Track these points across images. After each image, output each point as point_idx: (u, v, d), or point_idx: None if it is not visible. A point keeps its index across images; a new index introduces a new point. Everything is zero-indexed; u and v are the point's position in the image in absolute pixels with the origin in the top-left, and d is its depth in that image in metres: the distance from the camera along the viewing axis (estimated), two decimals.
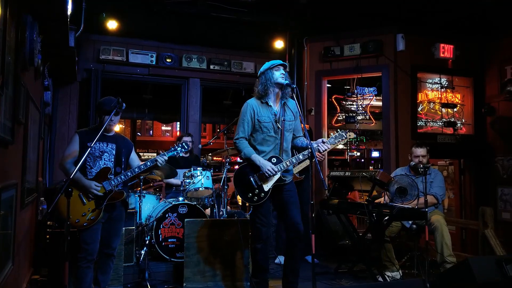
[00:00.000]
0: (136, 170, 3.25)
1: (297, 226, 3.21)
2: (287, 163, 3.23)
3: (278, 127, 3.29)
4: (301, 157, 3.23)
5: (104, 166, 3.20)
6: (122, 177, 3.19)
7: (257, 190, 3.21)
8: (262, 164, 3.18)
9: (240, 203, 6.48)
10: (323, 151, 3.28)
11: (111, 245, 3.28)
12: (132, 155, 3.43)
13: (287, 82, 3.27)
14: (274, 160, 3.25)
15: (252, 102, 3.35)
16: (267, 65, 3.35)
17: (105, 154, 3.23)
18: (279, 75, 3.27)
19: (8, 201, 2.55)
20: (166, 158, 3.31)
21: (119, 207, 3.30)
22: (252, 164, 3.24)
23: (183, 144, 3.38)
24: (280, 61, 3.35)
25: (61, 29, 3.61)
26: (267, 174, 3.17)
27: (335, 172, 4.86)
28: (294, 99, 3.31)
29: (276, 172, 3.19)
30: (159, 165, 3.28)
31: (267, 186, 3.21)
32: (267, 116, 3.29)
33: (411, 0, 5.48)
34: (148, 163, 3.27)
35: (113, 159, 3.26)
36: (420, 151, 4.40)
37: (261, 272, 3.36)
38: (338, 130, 3.40)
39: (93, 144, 2.89)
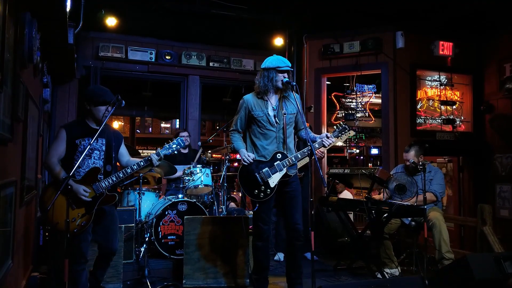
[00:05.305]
0: (129, 170, 3.01)
1: (296, 226, 3.24)
2: (293, 158, 3.20)
3: (277, 122, 3.28)
4: (305, 150, 3.18)
5: (93, 166, 2.94)
6: (114, 178, 2.94)
7: (263, 187, 3.22)
8: (243, 155, 3.28)
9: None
10: (328, 146, 3.24)
11: (111, 246, 3.07)
12: (122, 148, 3.20)
13: (286, 80, 3.25)
14: (279, 156, 3.23)
15: (248, 97, 3.38)
16: (273, 62, 3.27)
17: (95, 151, 2.98)
18: (280, 78, 3.25)
19: (7, 199, 2.56)
20: (161, 156, 3.13)
21: (108, 207, 3.05)
22: (257, 161, 3.26)
23: (179, 140, 3.22)
24: (287, 67, 3.27)
25: (60, 26, 3.59)
26: (244, 163, 3.26)
27: (334, 170, 4.87)
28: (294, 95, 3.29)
29: (251, 161, 3.25)
30: (154, 164, 3.09)
31: (273, 182, 3.21)
32: (261, 110, 3.29)
33: None
34: (142, 163, 3.06)
35: (103, 156, 3.01)
36: (406, 155, 4.39)
37: (261, 270, 3.39)
38: (340, 123, 3.32)
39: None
